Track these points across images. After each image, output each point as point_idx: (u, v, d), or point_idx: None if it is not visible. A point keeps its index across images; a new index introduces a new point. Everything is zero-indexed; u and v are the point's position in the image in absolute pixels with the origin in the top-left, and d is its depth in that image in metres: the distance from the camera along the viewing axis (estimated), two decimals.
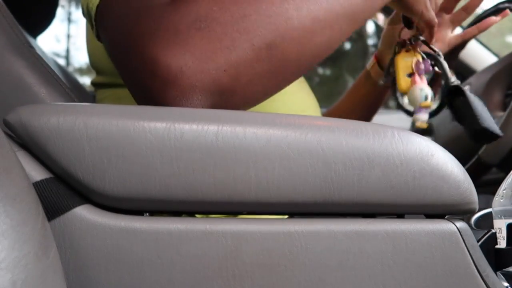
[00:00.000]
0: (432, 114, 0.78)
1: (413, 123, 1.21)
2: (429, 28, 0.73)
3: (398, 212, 0.42)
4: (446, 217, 0.43)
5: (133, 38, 0.43)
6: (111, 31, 0.47)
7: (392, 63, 0.78)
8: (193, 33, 0.42)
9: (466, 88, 1.09)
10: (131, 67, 0.44)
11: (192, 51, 0.42)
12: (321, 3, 0.48)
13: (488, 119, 0.68)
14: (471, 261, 0.42)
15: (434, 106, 0.77)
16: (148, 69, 0.42)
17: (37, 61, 0.60)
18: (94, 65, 0.71)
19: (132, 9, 0.45)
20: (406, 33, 0.78)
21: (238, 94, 0.45)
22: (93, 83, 0.73)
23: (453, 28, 0.85)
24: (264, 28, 0.44)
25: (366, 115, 0.95)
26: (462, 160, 0.57)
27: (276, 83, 0.48)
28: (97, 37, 0.54)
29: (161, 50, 0.42)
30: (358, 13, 0.51)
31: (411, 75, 0.77)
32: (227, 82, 0.44)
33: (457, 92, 0.71)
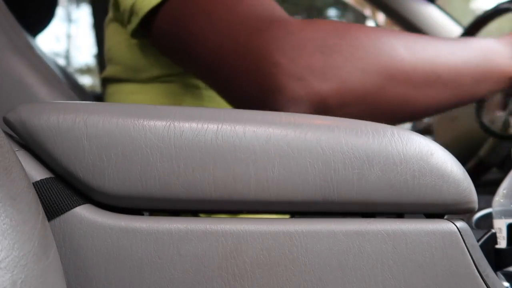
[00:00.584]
0: None
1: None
2: None
3: (397, 211, 0.42)
4: (446, 217, 0.43)
5: (253, 45, 0.48)
6: (199, 34, 0.52)
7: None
8: (317, 56, 0.48)
9: None
10: (244, 70, 0.49)
11: (312, 69, 0.48)
12: (436, 58, 0.51)
13: None
14: (471, 261, 0.42)
15: None
16: (267, 74, 0.48)
17: (37, 61, 0.60)
18: (113, 58, 0.71)
19: (237, 15, 0.51)
20: None
21: (333, 111, 0.50)
22: (104, 78, 0.74)
23: None
24: (378, 68, 0.49)
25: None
26: (462, 160, 0.57)
27: (373, 119, 0.51)
28: (133, 34, 0.61)
29: (286, 60, 0.47)
30: (465, 89, 0.54)
31: None
32: (333, 105, 0.49)
33: None
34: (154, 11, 0.58)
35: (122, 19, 0.65)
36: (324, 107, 0.49)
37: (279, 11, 0.52)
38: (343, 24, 0.51)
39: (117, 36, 0.69)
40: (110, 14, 0.71)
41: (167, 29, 0.58)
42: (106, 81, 0.75)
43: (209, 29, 0.53)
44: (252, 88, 0.49)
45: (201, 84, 0.69)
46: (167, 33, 0.58)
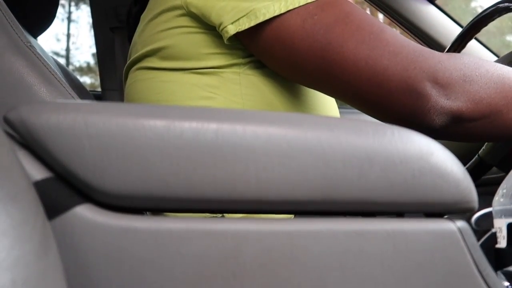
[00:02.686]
0: None
1: None
2: None
3: (397, 210, 0.42)
4: (446, 216, 0.43)
5: (408, 74, 0.62)
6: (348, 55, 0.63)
7: None
8: (461, 84, 0.63)
9: None
10: (398, 95, 0.62)
11: (457, 95, 0.62)
12: None
13: None
14: (471, 260, 0.42)
15: None
16: (422, 101, 0.62)
17: (38, 61, 0.60)
18: (157, 42, 0.71)
19: (388, 44, 0.63)
20: None
21: (465, 123, 0.65)
22: (140, 66, 0.74)
23: None
24: (500, 95, 0.65)
25: None
26: (462, 160, 0.57)
27: (481, 140, 0.73)
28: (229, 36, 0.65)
29: (438, 90, 0.62)
30: None
31: None
32: (466, 118, 0.64)
33: None
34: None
35: (206, 17, 0.66)
36: (460, 119, 0.63)
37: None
38: (475, 58, 0.66)
39: (180, 21, 0.69)
40: (177, 3, 0.70)
41: (300, 36, 0.63)
42: (135, 65, 0.74)
43: (360, 55, 0.63)
44: (404, 110, 0.63)
45: (242, 80, 0.69)
46: (299, 41, 0.63)
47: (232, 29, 0.64)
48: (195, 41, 0.68)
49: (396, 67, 0.62)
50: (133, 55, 0.75)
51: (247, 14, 0.63)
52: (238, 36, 0.65)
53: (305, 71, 0.66)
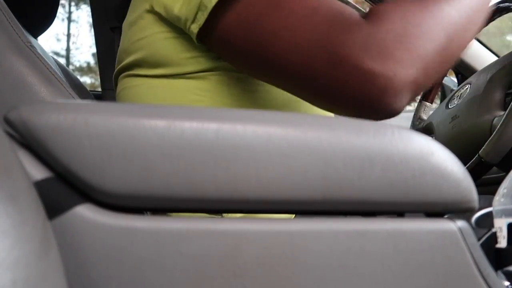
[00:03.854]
0: None
1: (413, 122, 1.22)
2: None
3: (398, 210, 0.42)
4: (446, 216, 0.43)
5: (341, 52, 0.54)
6: (274, 31, 0.57)
7: None
8: (398, 47, 0.54)
9: (466, 88, 1.10)
10: (339, 78, 0.55)
11: (399, 61, 0.54)
12: (471, 4, 0.60)
13: None
14: (472, 260, 0.42)
15: None
16: (364, 79, 0.54)
17: (38, 61, 0.60)
18: (142, 49, 0.71)
19: (316, 13, 0.56)
20: None
21: (421, 89, 0.58)
22: (127, 74, 0.73)
23: None
24: (440, 34, 0.56)
25: None
26: (463, 159, 0.57)
27: (440, 77, 0.65)
28: (199, 35, 0.63)
29: (377, 63, 0.53)
30: (483, 10, 0.63)
31: None
32: (421, 82, 0.56)
33: None
34: (223, 7, 0.60)
35: (175, 20, 0.65)
36: (418, 87, 0.56)
37: (350, 10, 0.58)
38: (403, 8, 0.57)
39: (154, 27, 0.69)
40: (147, 7, 0.70)
41: (236, 26, 0.60)
42: (123, 73, 0.74)
43: (285, 27, 0.57)
44: (356, 95, 0.55)
45: (230, 81, 0.69)
46: (235, 30, 0.60)
47: (195, 28, 0.63)
48: (174, 47, 0.67)
49: (320, 40, 0.55)
50: (120, 63, 0.75)
51: (199, 7, 0.61)
52: (200, 34, 0.63)
53: (249, 63, 0.63)
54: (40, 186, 0.36)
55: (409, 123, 1.34)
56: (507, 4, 1.08)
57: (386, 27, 0.55)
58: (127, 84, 0.73)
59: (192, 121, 0.38)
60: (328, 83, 0.56)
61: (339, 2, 0.59)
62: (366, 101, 0.55)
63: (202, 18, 0.61)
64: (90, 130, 0.37)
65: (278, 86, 0.64)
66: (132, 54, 0.72)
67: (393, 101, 0.55)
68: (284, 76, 0.60)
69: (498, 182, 0.63)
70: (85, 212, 0.37)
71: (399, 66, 0.53)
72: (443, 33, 0.57)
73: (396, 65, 0.53)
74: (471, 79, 1.13)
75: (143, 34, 0.70)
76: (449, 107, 1.14)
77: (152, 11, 0.68)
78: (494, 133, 0.89)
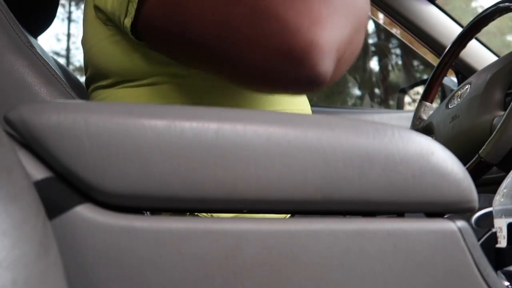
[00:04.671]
0: None
1: (413, 122, 1.22)
2: None
3: (398, 210, 0.42)
4: (446, 216, 0.43)
5: (262, 4, 0.52)
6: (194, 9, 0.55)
7: None
8: (330, 19, 0.52)
9: (466, 88, 1.10)
10: (260, 33, 0.52)
11: (328, 30, 0.52)
12: None
13: None
14: (472, 260, 0.42)
15: None
16: (288, 32, 0.51)
17: (38, 61, 0.60)
18: (106, 69, 0.69)
19: None
20: None
21: (340, 66, 0.57)
22: (94, 87, 0.72)
23: None
24: (353, 16, 0.56)
25: None
26: (463, 159, 0.57)
27: (351, 62, 0.62)
28: (132, 29, 0.60)
29: (302, 18, 0.51)
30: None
31: None
32: (340, 53, 0.54)
33: None
34: None
35: (112, 17, 0.63)
36: (337, 56, 0.53)
37: None
38: None
39: (100, 33, 0.67)
40: (91, 13, 0.68)
41: (160, 14, 0.57)
42: (93, 89, 0.72)
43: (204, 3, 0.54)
44: (284, 56, 0.51)
45: (196, 82, 0.67)
46: (161, 18, 0.57)
47: (128, 22, 0.60)
48: (122, 51, 0.65)
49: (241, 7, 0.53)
50: (85, 73, 0.74)
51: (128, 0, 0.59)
52: (134, 28, 0.61)
53: (176, 43, 0.60)
54: (40, 186, 0.36)
55: (409, 123, 1.34)
56: (507, 4, 1.08)
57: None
58: (95, 99, 0.72)
59: (192, 121, 0.38)
60: (249, 40, 0.53)
61: None
62: (289, 58, 0.51)
63: (132, 10, 0.59)
64: (90, 130, 0.37)
65: (203, 66, 0.61)
66: (89, 65, 0.71)
67: (316, 63, 0.51)
68: (207, 45, 0.56)
69: (498, 182, 0.63)
70: (85, 212, 0.37)
71: (328, 34, 0.51)
72: (355, 16, 0.57)
73: (325, 32, 0.51)
74: (471, 79, 1.13)
75: (91, 43, 0.69)
76: (449, 107, 1.14)
77: (96, 16, 0.67)
78: (494, 133, 0.89)
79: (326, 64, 0.52)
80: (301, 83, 0.53)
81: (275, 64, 0.52)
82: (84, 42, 0.72)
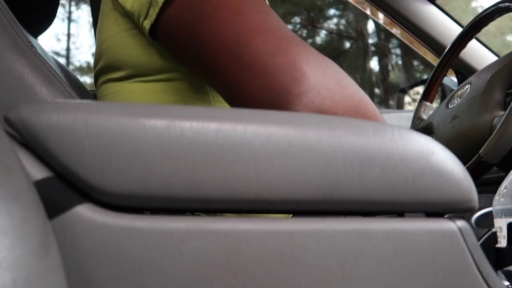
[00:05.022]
0: None
1: (414, 122, 1.22)
2: None
3: (398, 210, 0.42)
4: (446, 216, 0.43)
5: (285, 54, 0.55)
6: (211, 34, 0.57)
7: None
8: (319, 64, 0.56)
9: (466, 88, 1.10)
10: (274, 72, 0.55)
11: (320, 71, 0.55)
12: None
13: None
14: (472, 260, 0.42)
15: None
16: (294, 76, 0.54)
17: (38, 60, 0.60)
18: (120, 61, 0.70)
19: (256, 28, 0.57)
20: None
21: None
22: (105, 79, 0.73)
23: None
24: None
25: None
26: (463, 159, 0.57)
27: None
28: (151, 32, 0.62)
29: (308, 67, 0.54)
30: None
31: None
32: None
33: None
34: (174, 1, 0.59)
35: (130, 15, 0.64)
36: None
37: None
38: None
39: (116, 26, 0.68)
40: (108, 4, 0.69)
41: (183, 21, 0.59)
42: (99, 78, 0.73)
43: (220, 35, 0.56)
44: (278, 87, 0.55)
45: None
46: (179, 29, 0.59)
47: (147, 24, 0.61)
48: (136, 45, 0.66)
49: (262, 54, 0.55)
50: (95, 66, 0.74)
51: (151, 2, 0.60)
52: (152, 31, 0.62)
53: (192, 60, 0.62)
54: (40, 186, 0.36)
55: (409, 123, 1.34)
56: (507, 4, 1.08)
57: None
58: (105, 92, 0.73)
59: (192, 121, 0.38)
60: (254, 71, 0.55)
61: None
62: (282, 93, 0.54)
63: (153, 14, 0.60)
64: (90, 130, 0.37)
65: (209, 82, 0.63)
66: (102, 57, 0.71)
67: (301, 97, 0.54)
68: (217, 64, 0.58)
69: (498, 182, 0.63)
70: (85, 211, 0.37)
71: (317, 73, 0.55)
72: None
73: (319, 72, 0.55)
74: (471, 79, 1.13)
75: (107, 35, 0.69)
76: (449, 107, 1.14)
77: (114, 8, 0.68)
78: (494, 133, 0.89)
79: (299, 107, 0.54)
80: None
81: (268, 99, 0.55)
82: (99, 33, 0.73)
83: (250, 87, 0.55)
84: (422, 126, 1.24)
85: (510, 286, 0.52)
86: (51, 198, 0.36)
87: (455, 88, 1.26)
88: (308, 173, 0.39)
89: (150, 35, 0.63)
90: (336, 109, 0.54)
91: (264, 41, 0.55)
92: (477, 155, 0.91)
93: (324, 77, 0.55)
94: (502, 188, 0.58)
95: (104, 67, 0.71)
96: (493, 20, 1.17)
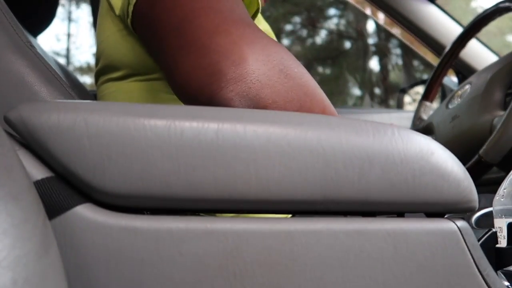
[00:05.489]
0: None
1: (414, 122, 1.22)
2: None
3: (398, 210, 0.42)
4: (446, 216, 0.43)
5: (226, 34, 0.51)
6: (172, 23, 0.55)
7: None
8: (265, 49, 0.52)
9: (466, 88, 1.10)
10: (209, 56, 0.51)
11: (263, 57, 0.51)
12: None
13: None
14: (472, 260, 0.42)
15: None
16: (231, 58, 0.49)
17: (38, 60, 0.60)
18: (118, 61, 0.70)
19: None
20: None
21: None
22: (104, 79, 0.73)
23: None
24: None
25: None
26: (463, 159, 0.57)
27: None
28: (134, 29, 0.62)
29: (250, 50, 0.50)
30: None
31: None
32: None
33: None
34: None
35: (121, 16, 0.65)
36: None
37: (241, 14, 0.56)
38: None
39: (112, 26, 0.68)
40: (105, 6, 0.70)
41: (146, 13, 0.58)
42: (103, 82, 0.74)
43: (175, 15, 0.54)
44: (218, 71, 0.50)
45: None
46: (145, 17, 0.59)
47: (129, 22, 0.61)
48: (132, 45, 0.66)
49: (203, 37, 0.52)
50: (96, 66, 0.75)
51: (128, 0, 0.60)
52: (133, 23, 0.62)
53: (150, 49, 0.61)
54: (40, 186, 0.36)
55: (409, 123, 1.34)
56: (507, 4, 1.08)
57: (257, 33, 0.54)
58: (105, 91, 0.73)
59: (192, 121, 0.38)
60: (190, 50, 0.53)
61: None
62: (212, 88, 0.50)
63: (130, 10, 0.61)
64: (90, 130, 0.37)
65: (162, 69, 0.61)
66: (101, 57, 0.72)
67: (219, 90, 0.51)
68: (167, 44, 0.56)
69: (498, 182, 0.63)
70: (85, 212, 0.37)
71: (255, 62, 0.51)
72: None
73: (257, 63, 0.51)
74: (471, 79, 1.13)
75: (104, 35, 0.70)
76: (449, 107, 1.14)
77: (109, 9, 0.68)
78: (494, 133, 0.89)
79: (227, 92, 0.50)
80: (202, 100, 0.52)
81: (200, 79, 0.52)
82: (97, 34, 0.73)
83: (186, 66, 0.52)
84: (422, 126, 1.24)
85: (510, 286, 0.52)
86: (51, 198, 0.36)
87: (455, 88, 1.26)
88: (308, 173, 0.39)
89: (136, 32, 0.63)
90: (276, 100, 0.50)
91: (208, 20, 0.52)
92: (477, 155, 0.91)
93: (267, 64, 0.50)
94: (502, 188, 0.58)
95: (103, 67, 0.72)
96: (493, 20, 1.17)
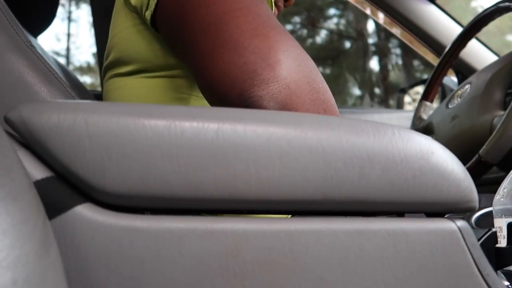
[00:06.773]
0: None
1: (414, 122, 1.22)
2: None
3: (398, 210, 0.42)
4: (446, 216, 0.43)
5: (264, 37, 0.53)
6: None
7: None
8: (297, 59, 0.54)
9: (466, 87, 1.10)
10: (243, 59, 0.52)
11: (295, 66, 0.53)
12: None
13: None
14: (472, 260, 0.42)
15: None
16: (268, 61, 0.52)
17: (38, 60, 0.60)
18: (128, 55, 0.70)
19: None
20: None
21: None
22: (111, 74, 0.73)
23: None
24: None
25: None
26: (463, 159, 0.57)
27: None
28: (152, 22, 0.62)
29: (285, 57, 0.52)
30: None
31: None
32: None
33: None
34: None
35: (136, 9, 0.65)
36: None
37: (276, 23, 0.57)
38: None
39: (126, 21, 0.69)
40: (120, 1, 0.70)
41: (172, 9, 0.59)
42: (108, 71, 0.74)
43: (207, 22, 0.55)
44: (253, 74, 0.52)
45: None
46: (172, 13, 0.59)
47: (148, 15, 0.61)
48: (144, 40, 0.67)
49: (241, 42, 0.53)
50: (106, 60, 0.75)
51: None
52: (154, 21, 0.62)
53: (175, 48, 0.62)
54: (40, 186, 0.36)
55: (409, 123, 1.34)
56: (507, 4, 1.08)
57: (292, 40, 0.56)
58: (111, 86, 0.73)
59: (192, 121, 0.38)
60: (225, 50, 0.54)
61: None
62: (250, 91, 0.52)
63: (153, 3, 0.61)
64: (90, 130, 0.37)
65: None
66: (112, 51, 0.72)
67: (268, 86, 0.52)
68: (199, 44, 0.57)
69: (498, 182, 0.63)
70: (85, 211, 0.37)
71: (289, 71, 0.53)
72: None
73: (292, 69, 0.53)
74: (471, 78, 1.13)
75: (117, 30, 0.70)
76: (449, 106, 1.14)
77: (124, 4, 0.68)
78: (494, 133, 0.89)
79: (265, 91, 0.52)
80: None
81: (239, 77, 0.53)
82: (111, 28, 0.74)
83: (220, 63, 0.53)
84: (422, 126, 1.24)
85: (510, 286, 0.52)
86: (51, 198, 0.36)
87: (455, 88, 1.26)
88: (308, 173, 0.39)
89: (153, 26, 0.63)
90: (300, 109, 0.52)
91: (246, 21, 0.53)
92: (477, 155, 0.91)
93: (298, 73, 0.52)
94: (502, 188, 0.58)
95: (113, 61, 0.72)
96: (493, 20, 1.17)
